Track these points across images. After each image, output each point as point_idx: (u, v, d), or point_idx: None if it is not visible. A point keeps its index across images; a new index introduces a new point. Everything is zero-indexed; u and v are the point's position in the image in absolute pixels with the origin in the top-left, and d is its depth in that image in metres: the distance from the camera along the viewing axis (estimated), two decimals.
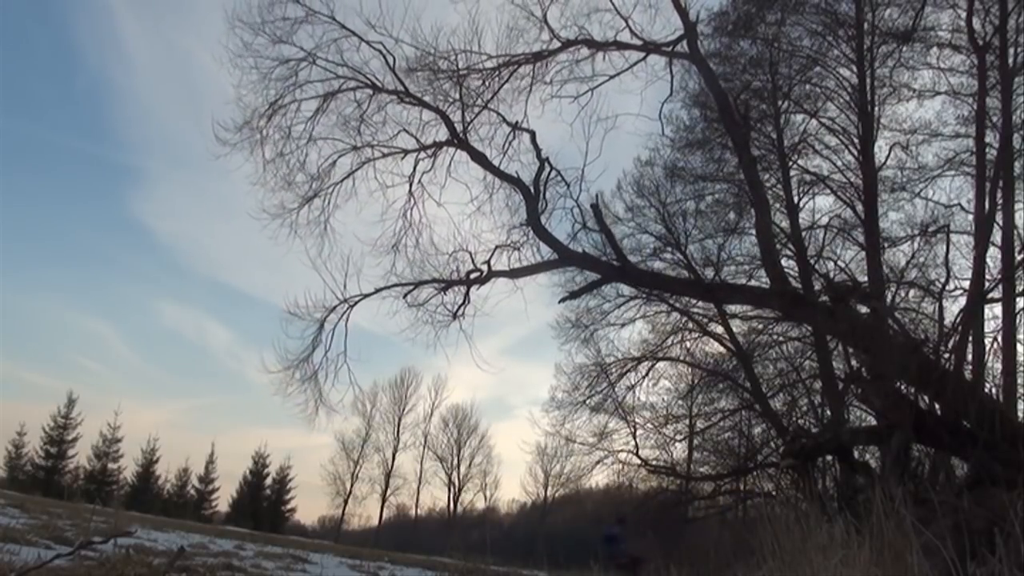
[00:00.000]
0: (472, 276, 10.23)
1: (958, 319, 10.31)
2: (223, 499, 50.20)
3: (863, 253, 14.56)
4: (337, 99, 10.86)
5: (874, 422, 8.95)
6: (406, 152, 11.07)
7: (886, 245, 14.62)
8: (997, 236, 11.91)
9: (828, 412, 15.10)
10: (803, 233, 15.27)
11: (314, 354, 10.69)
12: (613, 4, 10.73)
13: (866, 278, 13.25)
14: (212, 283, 75.09)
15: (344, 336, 10.63)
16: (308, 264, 10.61)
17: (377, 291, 10.43)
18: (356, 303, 10.48)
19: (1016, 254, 11.99)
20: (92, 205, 69.49)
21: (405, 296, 10.46)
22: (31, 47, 61.03)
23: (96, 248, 69.05)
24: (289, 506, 51.97)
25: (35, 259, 65.32)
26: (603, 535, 14.69)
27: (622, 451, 18.49)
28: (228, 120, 10.83)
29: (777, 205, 15.01)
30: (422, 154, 11.09)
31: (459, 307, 10.40)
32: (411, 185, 11.19)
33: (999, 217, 11.73)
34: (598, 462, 19.03)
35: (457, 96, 10.97)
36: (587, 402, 18.46)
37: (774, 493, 15.24)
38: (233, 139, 10.78)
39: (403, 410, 53.15)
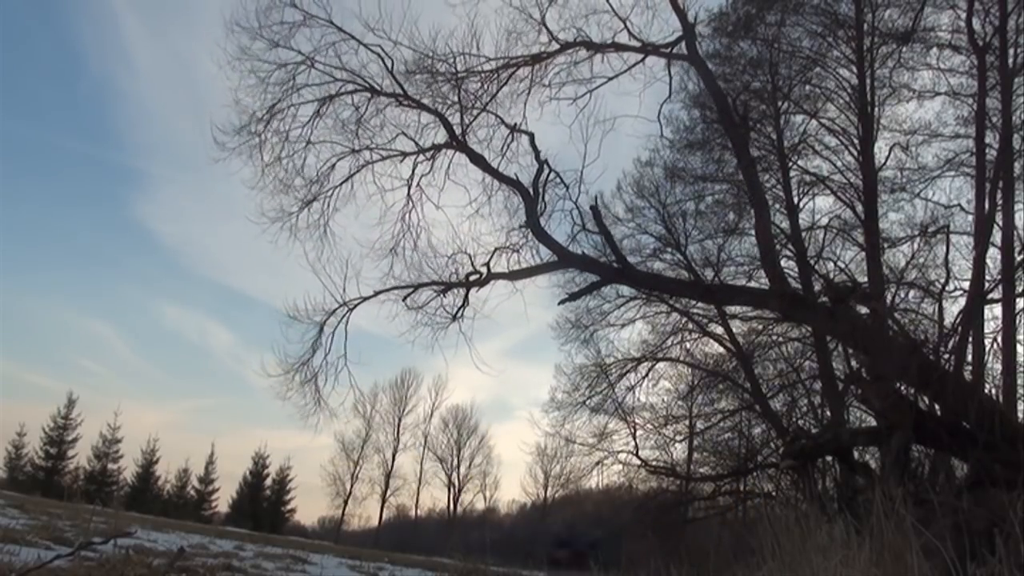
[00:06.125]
0: (471, 278, 10.23)
1: (958, 319, 10.32)
2: (223, 500, 50.25)
3: (863, 254, 14.54)
4: (335, 102, 10.86)
5: (874, 423, 8.94)
6: (405, 155, 11.07)
7: (886, 246, 14.62)
8: (997, 236, 11.91)
9: (828, 413, 15.09)
10: (803, 234, 15.25)
11: (314, 357, 10.75)
12: (611, 6, 10.74)
13: (866, 279, 13.23)
14: (213, 285, 75.04)
15: (344, 339, 10.68)
16: (308, 266, 10.64)
17: (376, 294, 10.46)
18: (355, 306, 10.51)
19: (1016, 254, 11.99)
20: (94, 207, 69.39)
21: (404, 299, 10.47)
22: (34, 50, 61.00)
23: (98, 250, 68.89)
24: (289, 507, 52.01)
25: (37, 261, 65.25)
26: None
27: (622, 452, 18.53)
28: (226, 123, 10.85)
29: (777, 206, 15.02)
30: (421, 157, 11.09)
31: (458, 309, 10.43)
32: (410, 188, 11.20)
33: (999, 217, 11.72)
34: (598, 463, 19.05)
35: (456, 99, 10.98)
36: (587, 403, 18.50)
37: (774, 494, 15.25)
38: (231, 143, 10.81)
39: (403, 411, 53.22)
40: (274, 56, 10.53)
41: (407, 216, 11.23)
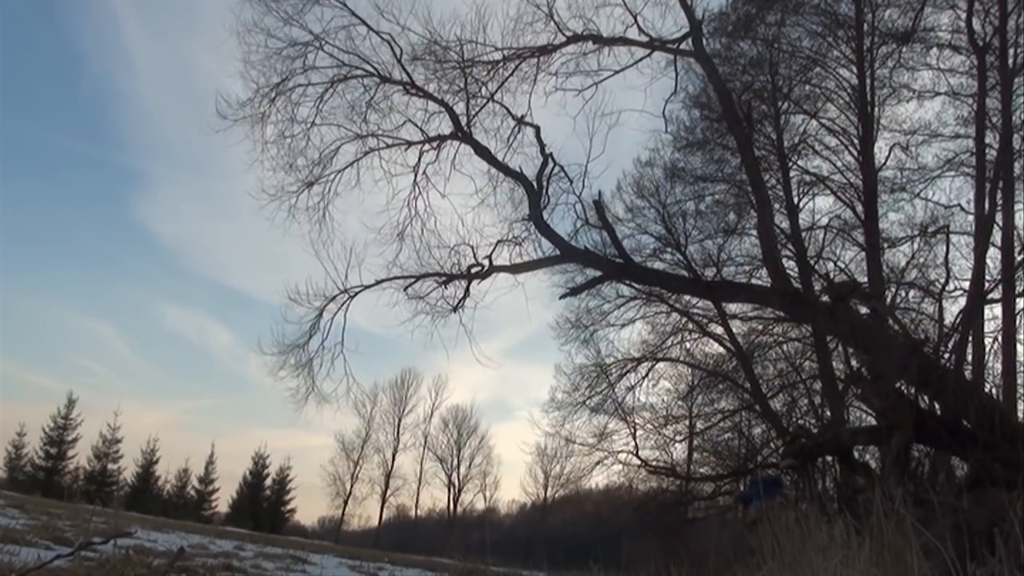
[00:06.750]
0: (473, 270, 10.22)
1: (958, 319, 10.31)
2: (223, 500, 50.18)
3: (863, 253, 14.55)
4: (343, 85, 10.84)
5: (874, 422, 8.95)
6: (410, 144, 11.05)
7: (886, 245, 14.62)
8: (997, 236, 11.91)
9: (828, 412, 15.10)
10: (803, 233, 15.27)
11: (310, 341, 10.71)
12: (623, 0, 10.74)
13: (866, 278, 13.24)
14: (214, 285, 74.99)
15: (342, 327, 10.63)
16: (308, 259, 10.67)
17: (378, 283, 10.41)
18: (356, 294, 10.46)
19: (1016, 254, 11.99)
20: (95, 208, 69.36)
21: (406, 288, 10.43)
22: (35, 51, 60.99)
23: (98, 250, 68.90)
24: (289, 507, 51.95)
25: (37, 261, 65.22)
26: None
27: (622, 452, 18.54)
28: (231, 97, 10.83)
29: (777, 205, 14.99)
30: (426, 146, 11.07)
31: (459, 301, 10.41)
32: (416, 176, 11.19)
33: (999, 217, 11.72)
34: (598, 463, 19.07)
35: (462, 86, 10.96)
36: (587, 403, 18.50)
37: None
38: (235, 115, 10.76)
39: (403, 411, 53.20)
40: (285, 33, 10.52)
41: (413, 204, 11.23)
